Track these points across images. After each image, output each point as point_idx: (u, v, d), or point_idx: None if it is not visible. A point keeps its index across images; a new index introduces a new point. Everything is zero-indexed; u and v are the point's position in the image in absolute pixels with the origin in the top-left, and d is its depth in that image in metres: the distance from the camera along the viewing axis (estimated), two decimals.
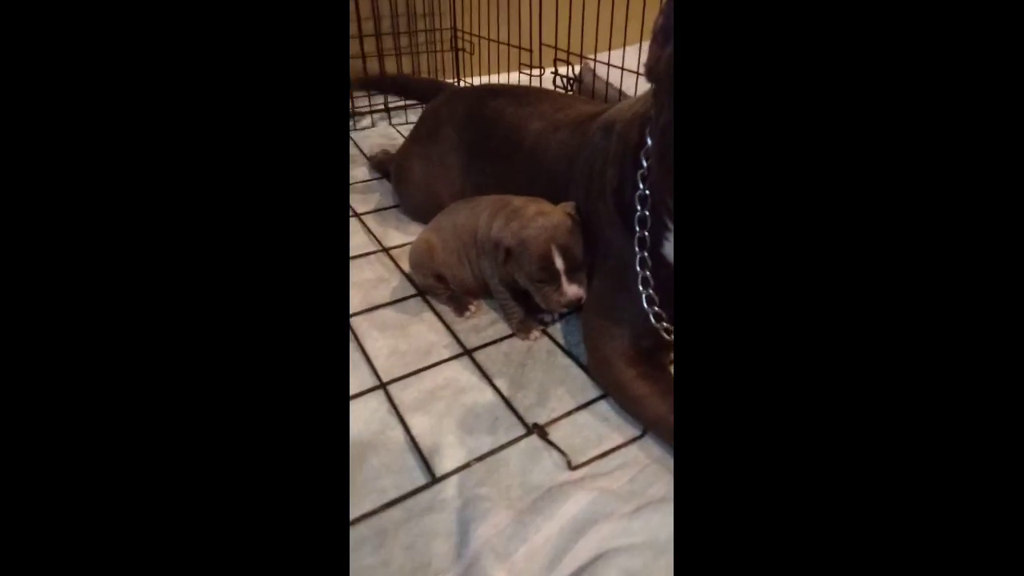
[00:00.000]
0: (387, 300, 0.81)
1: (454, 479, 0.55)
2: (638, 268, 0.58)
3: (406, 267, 0.85)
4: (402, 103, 1.45)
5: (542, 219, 0.66)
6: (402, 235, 0.97)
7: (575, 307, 0.69)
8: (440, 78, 1.50)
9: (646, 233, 0.57)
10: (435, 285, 0.78)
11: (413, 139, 1.00)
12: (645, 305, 0.58)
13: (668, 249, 0.58)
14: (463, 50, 1.46)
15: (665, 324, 0.58)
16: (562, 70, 1.20)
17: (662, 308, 0.58)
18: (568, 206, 0.69)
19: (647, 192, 0.56)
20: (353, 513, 0.51)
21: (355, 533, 0.50)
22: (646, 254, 0.58)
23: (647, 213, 0.57)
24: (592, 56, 1.22)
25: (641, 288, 0.58)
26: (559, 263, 0.64)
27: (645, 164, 0.56)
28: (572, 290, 0.65)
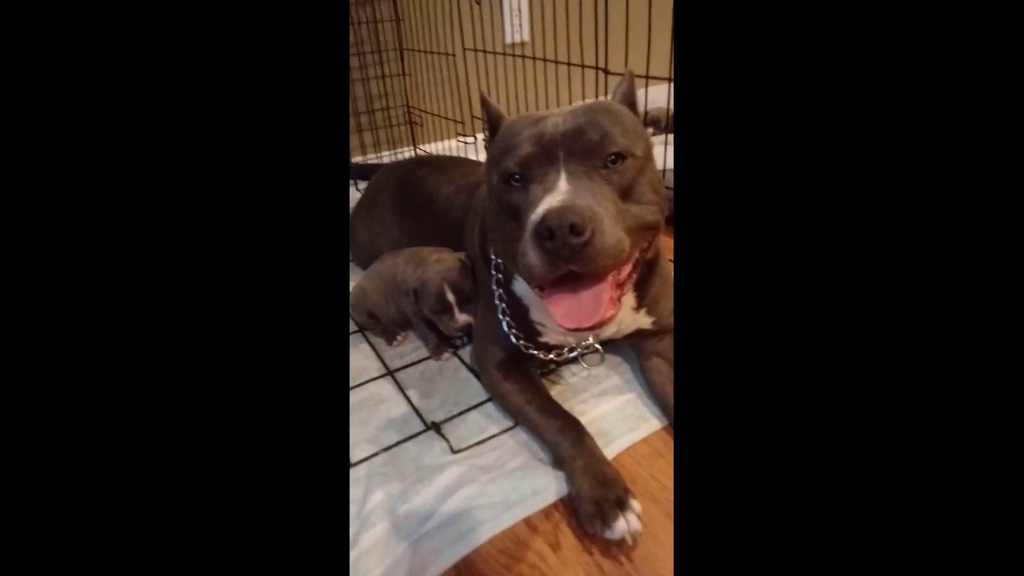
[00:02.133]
0: None
1: (364, 465, 0.72)
2: (497, 301, 0.77)
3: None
4: None
5: (438, 264, 0.86)
6: (352, 283, 1.17)
7: (469, 330, 0.88)
8: (398, 148, 1.75)
9: (499, 275, 0.77)
10: (368, 321, 0.97)
11: (359, 205, 1.22)
12: (505, 328, 0.77)
13: (515, 286, 0.76)
14: (415, 123, 1.71)
15: (522, 342, 0.77)
16: None
17: (517, 330, 0.77)
18: (461, 254, 0.89)
19: None
20: None
21: None
22: (501, 290, 0.77)
23: (499, 261, 0.76)
24: None
25: (501, 315, 0.77)
26: (451, 297, 0.83)
27: (486, 222, 0.74)
28: (462, 318, 0.84)
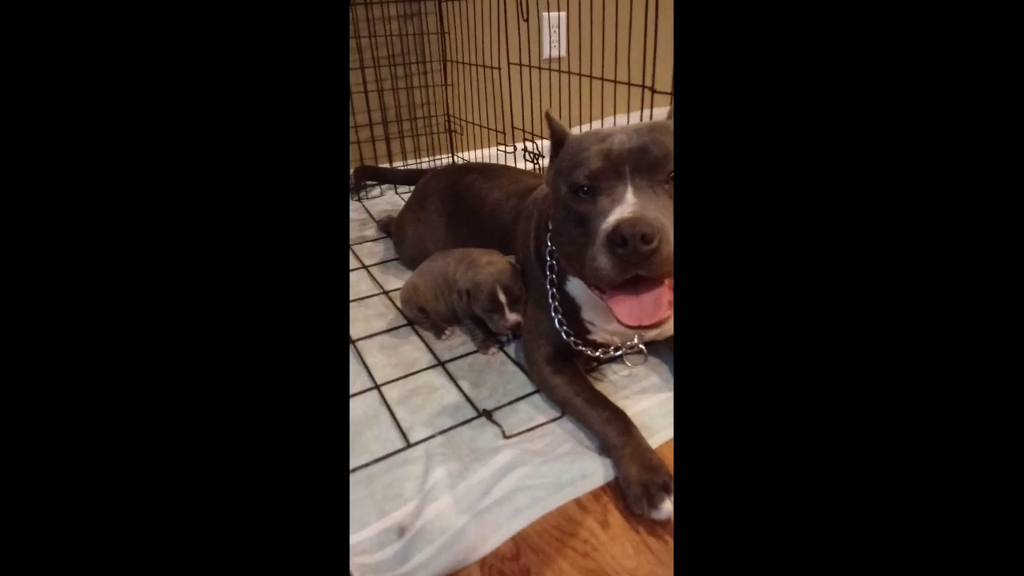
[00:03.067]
0: (384, 328, 1.06)
1: (422, 445, 0.78)
2: (550, 300, 0.83)
3: (400, 304, 1.11)
4: None
5: (490, 267, 0.92)
6: (398, 281, 1.23)
7: (517, 329, 0.94)
8: (437, 155, 1.83)
9: (554, 276, 0.83)
10: (419, 316, 1.04)
11: (408, 207, 1.28)
12: (557, 325, 0.83)
13: (569, 286, 0.82)
14: (455, 131, 1.78)
15: (572, 338, 0.82)
16: (528, 146, 1.50)
17: (568, 327, 0.83)
18: (511, 257, 0.95)
19: (553, 248, 0.81)
20: (352, 465, 0.75)
21: (353, 478, 0.73)
22: (555, 290, 0.83)
23: (554, 262, 0.82)
24: None
25: (553, 313, 0.83)
26: (502, 298, 0.89)
27: (551, 229, 0.81)
28: (512, 317, 0.90)
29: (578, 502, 0.69)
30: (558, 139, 0.75)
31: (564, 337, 0.82)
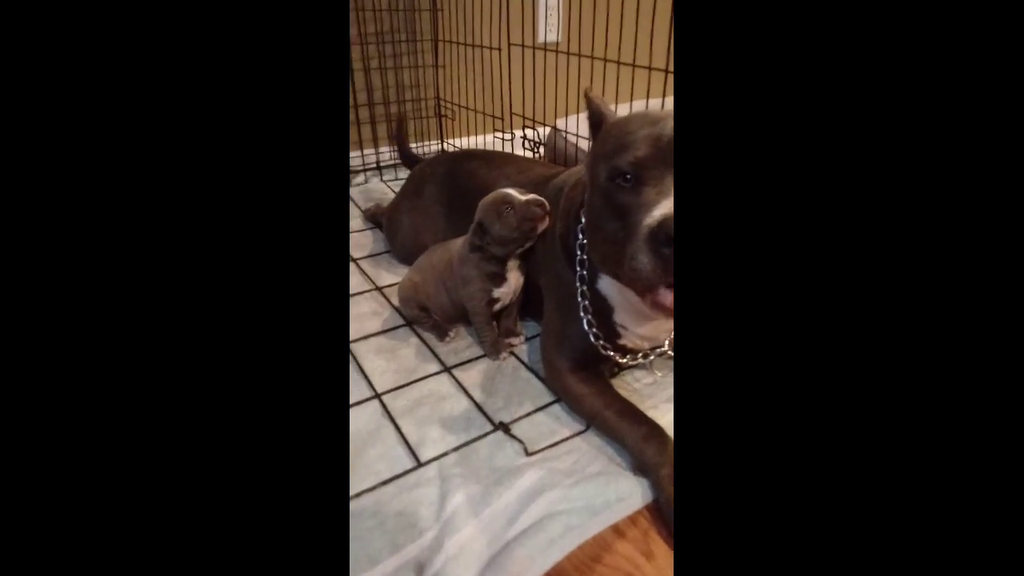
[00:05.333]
0: (380, 329, 0.96)
1: (435, 464, 0.69)
2: (579, 299, 0.75)
3: (396, 302, 1.01)
4: (392, 162, 1.65)
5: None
6: (392, 276, 1.13)
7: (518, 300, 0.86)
8: (424, 141, 1.71)
9: (584, 272, 0.74)
10: (420, 315, 0.94)
11: (402, 195, 1.18)
12: (585, 327, 0.75)
13: (601, 284, 0.74)
14: (446, 116, 1.68)
15: (601, 342, 0.75)
16: (528, 133, 1.41)
17: (597, 329, 0.75)
18: None
19: (585, 241, 0.73)
20: (356, 490, 0.65)
21: (357, 504, 0.64)
22: (585, 288, 0.75)
23: (585, 257, 0.74)
24: (553, 123, 1.43)
25: (582, 314, 0.75)
26: (513, 191, 0.81)
27: (583, 220, 0.73)
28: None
29: (615, 528, 0.62)
30: (597, 120, 0.67)
31: (592, 340, 0.74)
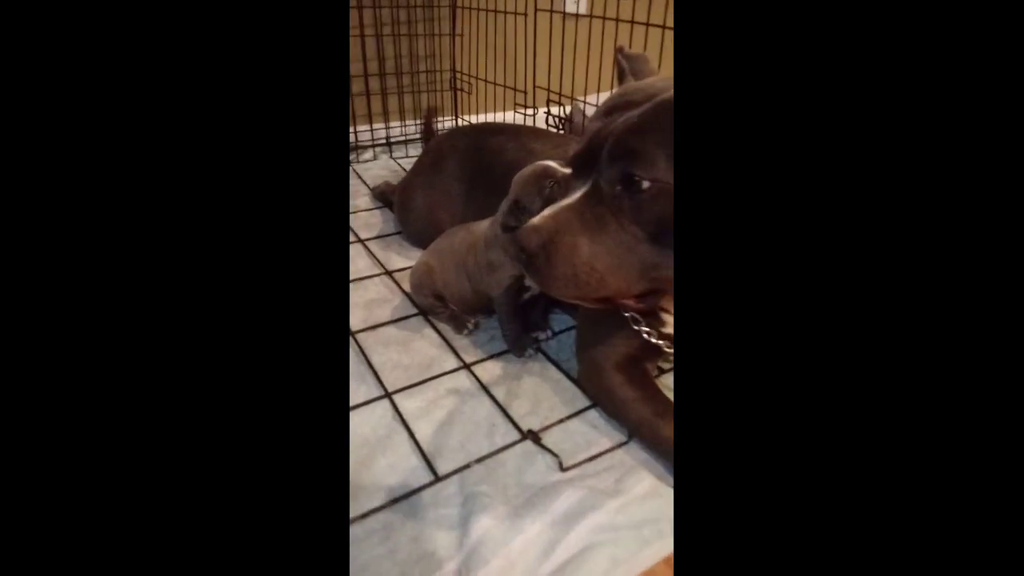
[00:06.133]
0: (390, 319, 0.86)
1: (455, 478, 0.59)
2: None
3: (407, 288, 0.91)
4: (403, 138, 1.54)
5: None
6: (403, 259, 1.03)
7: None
8: (438, 117, 1.60)
9: None
10: (435, 304, 0.84)
11: (416, 171, 1.07)
12: (629, 316, 0.64)
13: None
14: (461, 90, 1.56)
15: (645, 329, 0.64)
16: (554, 110, 1.30)
17: (641, 314, 0.64)
18: None
19: None
20: (363, 509, 0.55)
21: (364, 526, 0.54)
22: None
23: None
24: (582, 98, 1.32)
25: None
26: (553, 163, 0.69)
27: None
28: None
29: (668, 562, 0.52)
30: (622, 82, 0.57)
31: (635, 327, 0.64)
